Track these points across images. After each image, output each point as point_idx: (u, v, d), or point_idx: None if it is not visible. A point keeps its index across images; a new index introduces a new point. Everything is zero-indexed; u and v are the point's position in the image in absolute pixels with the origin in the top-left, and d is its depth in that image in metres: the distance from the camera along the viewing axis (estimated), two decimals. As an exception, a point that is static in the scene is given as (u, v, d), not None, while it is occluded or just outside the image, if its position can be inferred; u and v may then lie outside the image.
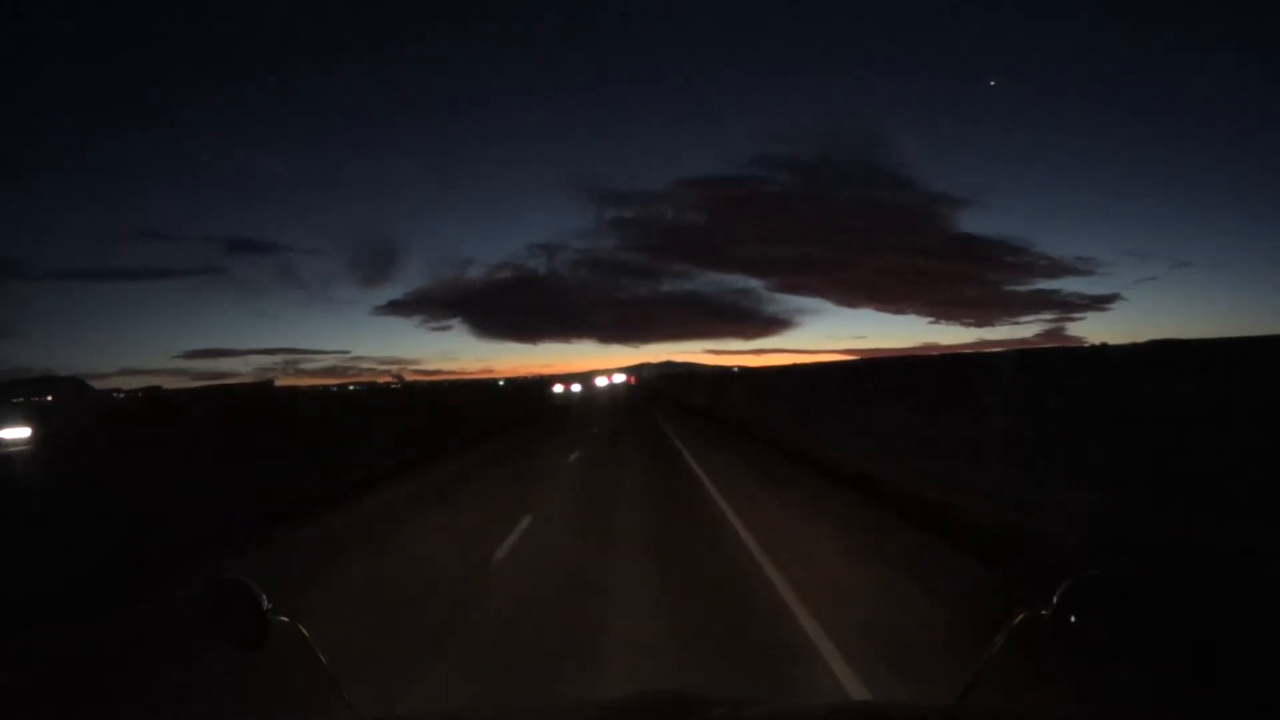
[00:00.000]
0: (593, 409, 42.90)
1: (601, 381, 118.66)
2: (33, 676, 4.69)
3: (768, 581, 5.78)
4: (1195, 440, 9.56)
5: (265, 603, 1.42)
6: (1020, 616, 1.28)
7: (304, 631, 1.46)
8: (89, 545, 7.95)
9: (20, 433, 33.30)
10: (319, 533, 9.17)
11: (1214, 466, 7.78)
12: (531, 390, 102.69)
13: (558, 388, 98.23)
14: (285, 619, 1.45)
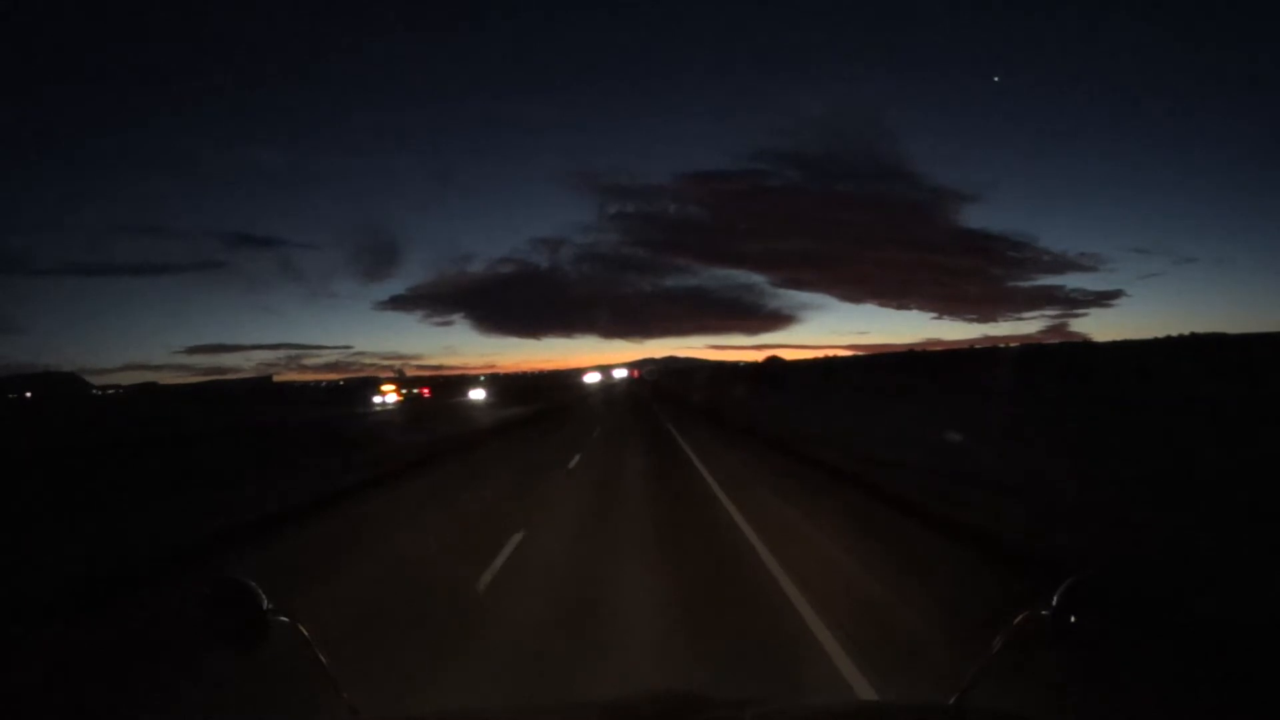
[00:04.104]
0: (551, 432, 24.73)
1: (594, 377, 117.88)
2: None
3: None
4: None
5: (265, 603, 1.40)
6: (1020, 616, 1.26)
7: (304, 631, 1.45)
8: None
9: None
10: None
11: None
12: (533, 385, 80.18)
13: (477, 393, 65.12)
14: (285, 619, 1.43)
